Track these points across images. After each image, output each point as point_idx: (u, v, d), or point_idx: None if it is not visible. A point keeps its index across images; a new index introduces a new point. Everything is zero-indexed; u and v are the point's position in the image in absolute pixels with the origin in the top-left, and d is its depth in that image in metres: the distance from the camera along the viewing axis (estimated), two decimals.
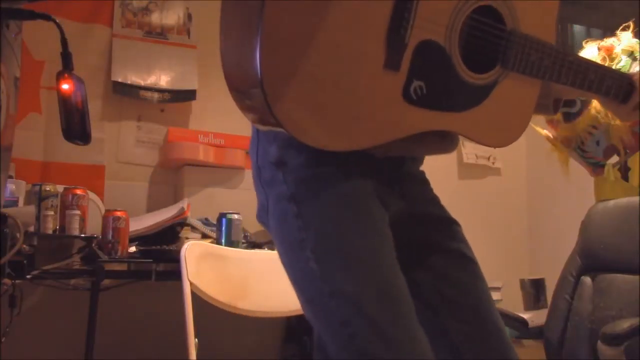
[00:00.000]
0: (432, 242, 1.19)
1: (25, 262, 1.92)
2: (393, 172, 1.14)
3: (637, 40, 2.35)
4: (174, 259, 1.92)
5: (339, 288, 1.00)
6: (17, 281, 1.87)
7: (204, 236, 2.46)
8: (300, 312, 1.12)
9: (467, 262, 1.19)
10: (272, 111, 0.93)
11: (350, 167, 1.05)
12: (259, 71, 0.92)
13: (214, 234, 2.40)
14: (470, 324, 1.15)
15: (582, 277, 1.98)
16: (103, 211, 2.33)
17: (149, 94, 2.82)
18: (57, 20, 1.19)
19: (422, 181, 1.25)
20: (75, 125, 1.22)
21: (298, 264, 1.05)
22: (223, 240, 2.30)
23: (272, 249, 2.13)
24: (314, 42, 0.96)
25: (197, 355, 1.68)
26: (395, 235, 1.08)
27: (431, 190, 1.25)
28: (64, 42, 1.23)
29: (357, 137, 1.00)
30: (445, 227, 1.21)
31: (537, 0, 1.23)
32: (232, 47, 1.00)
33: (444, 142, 1.17)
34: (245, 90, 0.97)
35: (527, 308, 2.76)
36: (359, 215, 1.05)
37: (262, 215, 1.14)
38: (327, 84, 0.97)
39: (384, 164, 1.10)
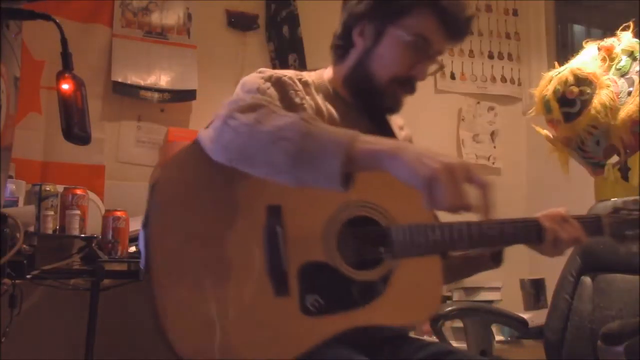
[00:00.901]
0: None
1: (25, 262, 1.92)
2: None
3: (637, 40, 2.35)
4: None
5: None
6: (17, 281, 1.87)
7: None
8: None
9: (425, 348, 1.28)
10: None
11: None
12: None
13: None
14: None
15: (582, 277, 1.98)
16: (103, 211, 2.33)
17: (149, 94, 2.82)
18: (57, 20, 1.19)
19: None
20: (75, 125, 1.22)
21: None
22: None
23: None
24: (206, 293, 1.10)
25: None
26: None
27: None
28: (64, 42, 1.23)
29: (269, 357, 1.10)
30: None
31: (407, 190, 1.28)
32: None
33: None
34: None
35: (527, 308, 2.76)
36: None
37: None
38: (227, 324, 1.09)
39: None
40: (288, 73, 1.32)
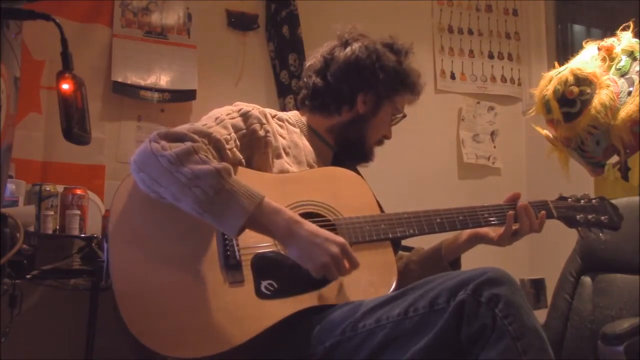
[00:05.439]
0: None
1: (25, 262, 1.92)
2: None
3: (637, 40, 2.35)
4: None
5: None
6: (17, 281, 1.87)
7: None
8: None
9: None
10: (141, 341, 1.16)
11: None
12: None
13: None
14: None
15: (582, 277, 1.98)
16: (103, 211, 2.33)
17: (149, 94, 2.82)
18: (57, 20, 1.19)
19: None
20: (75, 125, 1.22)
21: None
22: None
23: None
24: (163, 287, 1.20)
25: None
26: None
27: None
28: (64, 42, 1.23)
29: (228, 339, 1.17)
30: None
31: (353, 193, 1.45)
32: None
33: None
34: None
35: None
36: None
37: None
38: (187, 313, 1.19)
39: None
40: (259, 108, 1.47)
